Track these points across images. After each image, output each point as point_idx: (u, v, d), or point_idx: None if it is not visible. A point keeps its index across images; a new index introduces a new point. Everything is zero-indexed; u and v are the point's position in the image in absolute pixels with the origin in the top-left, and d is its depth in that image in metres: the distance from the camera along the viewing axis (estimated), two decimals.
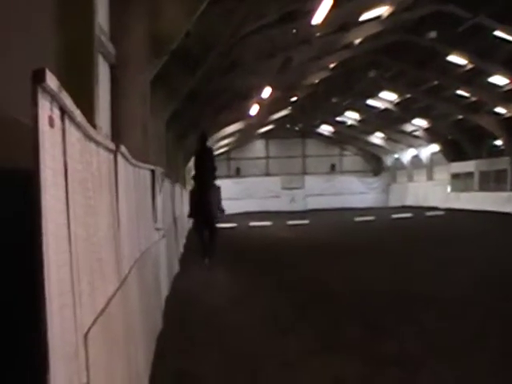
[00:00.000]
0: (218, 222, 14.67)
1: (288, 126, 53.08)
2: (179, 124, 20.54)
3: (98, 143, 3.13)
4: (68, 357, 2.11)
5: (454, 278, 11.15)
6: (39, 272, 1.82)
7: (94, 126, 3.05)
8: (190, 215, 14.81)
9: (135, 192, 5.39)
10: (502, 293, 9.59)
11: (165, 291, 9.54)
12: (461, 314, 8.09)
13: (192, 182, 15.08)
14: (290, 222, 29.37)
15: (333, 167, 57.04)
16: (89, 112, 5.27)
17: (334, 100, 42.70)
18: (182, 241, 18.63)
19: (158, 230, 8.16)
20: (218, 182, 14.58)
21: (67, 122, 2.28)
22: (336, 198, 50.17)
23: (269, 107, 33.28)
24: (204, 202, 13.84)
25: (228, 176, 51.52)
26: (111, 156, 3.79)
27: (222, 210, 14.65)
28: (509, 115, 35.05)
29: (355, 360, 6.07)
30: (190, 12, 9.93)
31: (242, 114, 31.18)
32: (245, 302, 9.54)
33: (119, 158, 4.07)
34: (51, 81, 1.97)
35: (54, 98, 2.07)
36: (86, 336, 2.44)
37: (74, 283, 2.25)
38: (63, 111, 2.22)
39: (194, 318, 8.40)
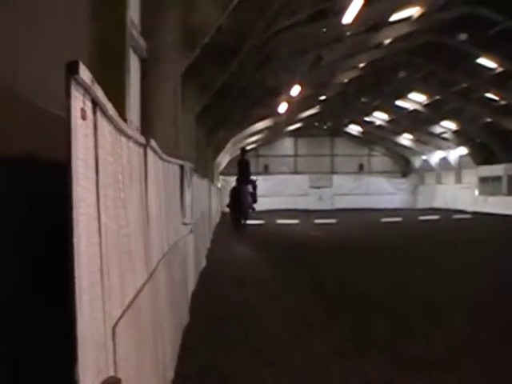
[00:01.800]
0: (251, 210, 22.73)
1: (317, 124, 53.01)
2: (209, 119, 20.59)
3: (128, 137, 3.13)
4: (97, 348, 2.11)
5: (480, 283, 11.01)
6: (70, 263, 1.82)
7: (124, 119, 3.05)
8: (229, 205, 23.02)
9: (164, 186, 5.40)
10: None
11: (192, 285, 9.57)
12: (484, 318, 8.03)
13: (224, 180, 23.00)
14: (318, 221, 29.30)
15: (361, 167, 56.95)
16: (120, 105, 5.29)
17: (363, 100, 42.91)
18: (210, 236, 18.69)
19: (186, 224, 8.17)
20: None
21: (99, 114, 2.28)
22: (363, 198, 49.92)
23: (298, 105, 33.27)
24: (240, 197, 21.94)
25: (256, 173, 51.45)
26: (141, 150, 3.79)
27: (255, 201, 22.58)
28: None
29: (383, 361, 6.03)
30: (223, 5, 9.93)
31: (272, 111, 31.19)
32: (274, 300, 9.53)
33: (149, 151, 4.07)
34: (84, 73, 1.97)
35: (86, 90, 2.07)
36: (114, 328, 2.44)
37: (103, 275, 2.25)
38: (95, 104, 2.22)
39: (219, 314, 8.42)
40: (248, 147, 45.48)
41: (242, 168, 22.72)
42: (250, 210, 22.81)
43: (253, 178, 23.59)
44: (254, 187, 23.10)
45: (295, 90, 26.96)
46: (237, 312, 8.53)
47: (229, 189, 23.90)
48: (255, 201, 23.07)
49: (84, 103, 2.06)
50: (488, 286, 10.61)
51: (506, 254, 15.47)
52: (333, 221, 29.69)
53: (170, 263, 5.69)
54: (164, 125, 9.06)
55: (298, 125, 49.23)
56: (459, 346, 6.54)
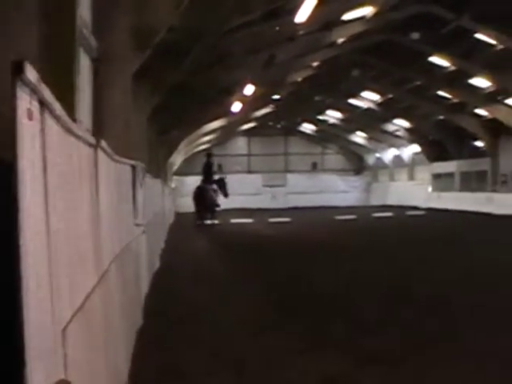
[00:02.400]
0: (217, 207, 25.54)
1: (270, 123, 52.97)
2: (162, 118, 20.46)
3: (78, 137, 3.11)
4: (46, 352, 2.09)
5: (436, 277, 11.23)
6: (17, 265, 1.80)
7: (74, 119, 3.02)
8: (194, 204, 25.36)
9: (116, 187, 5.36)
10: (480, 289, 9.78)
11: (145, 287, 9.51)
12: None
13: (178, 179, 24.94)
14: (272, 220, 29.40)
15: (315, 165, 57.02)
16: (69, 105, 5.22)
17: (316, 98, 42.69)
18: (163, 237, 18.58)
19: (138, 225, 8.12)
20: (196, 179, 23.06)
21: (46, 114, 2.26)
22: (318, 196, 49.91)
23: (252, 104, 33.22)
24: (204, 196, 24.72)
25: None
26: (92, 150, 3.76)
27: (226, 195, 25.77)
28: (490, 117, 35.34)
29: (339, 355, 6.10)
30: (175, 4, 9.84)
31: (225, 110, 31.07)
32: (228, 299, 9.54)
33: (100, 152, 4.04)
34: (30, 73, 1.95)
35: (33, 90, 2.05)
36: (64, 331, 2.42)
37: (52, 277, 2.23)
38: (42, 104, 2.20)
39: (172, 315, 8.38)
40: (201, 147, 45.61)
41: (207, 169, 26.07)
42: (217, 208, 25.73)
43: (222, 176, 27.26)
44: (223, 185, 26.34)
45: (249, 89, 26.95)
46: (191, 313, 8.51)
47: (184, 189, 27.97)
48: (226, 195, 26.62)
49: (30, 103, 2.04)
50: (444, 282, 10.82)
51: (461, 250, 15.88)
52: (287, 219, 29.82)
53: (122, 264, 5.65)
54: (116, 125, 8.97)
55: (251, 124, 49.11)
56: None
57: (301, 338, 6.98)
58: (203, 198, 25.34)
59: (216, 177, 27.29)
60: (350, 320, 7.84)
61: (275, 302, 9.20)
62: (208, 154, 27.29)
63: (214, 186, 26.06)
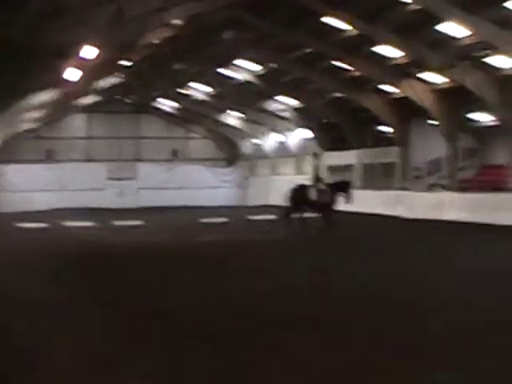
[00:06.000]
0: None
1: (118, 97, 52.41)
2: None
3: None
4: None
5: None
6: None
7: None
8: None
9: None
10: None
11: None
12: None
13: None
14: (119, 223, 29.18)
15: (175, 153, 57.28)
16: None
17: (178, 67, 42.54)
18: None
19: None
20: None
21: None
22: (178, 193, 50.13)
23: (93, 72, 32.72)
24: None
25: (36, 160, 50.16)
26: None
27: None
28: (400, 95, 36.24)
29: None
30: None
31: (57, 79, 30.37)
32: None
33: None
34: None
35: None
36: None
37: None
38: None
39: None
40: (26, 127, 44.34)
41: None
42: None
43: None
44: None
45: (89, 52, 26.48)
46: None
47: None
48: None
49: None
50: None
51: (360, 258, 17.15)
52: (138, 222, 29.86)
53: None
54: None
55: (92, 98, 48.39)
56: None
57: None
58: None
59: None
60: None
61: None
62: None
63: None
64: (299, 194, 24.04)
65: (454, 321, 9.64)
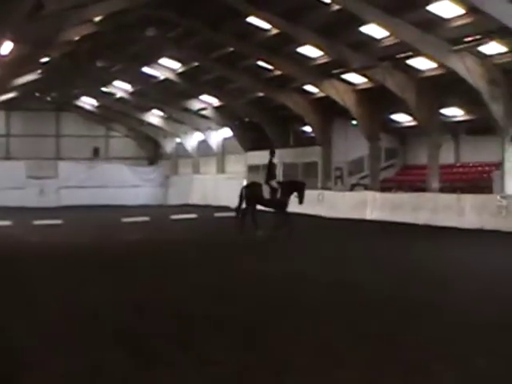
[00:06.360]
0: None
1: (37, 94, 51.75)
2: None
3: None
4: None
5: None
6: None
7: None
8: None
9: None
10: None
11: None
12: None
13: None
14: (38, 222, 28.82)
15: (96, 152, 57.56)
16: None
17: (99, 64, 42.33)
18: None
19: None
20: None
21: None
22: (100, 192, 49.23)
23: (11, 68, 32.17)
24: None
25: None
26: None
27: None
28: (321, 95, 36.32)
29: None
30: None
31: None
32: None
33: None
34: None
35: None
36: None
37: None
38: None
39: None
40: None
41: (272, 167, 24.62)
42: None
43: None
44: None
45: (6, 48, 26.07)
46: None
47: None
48: None
49: None
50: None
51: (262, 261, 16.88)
52: (58, 222, 29.43)
53: None
54: None
55: (10, 94, 47.55)
56: None
57: None
58: None
59: None
60: None
61: None
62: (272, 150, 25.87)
63: None
64: (251, 192, 23.39)
65: (353, 320, 9.68)
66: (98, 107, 54.59)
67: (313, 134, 40.52)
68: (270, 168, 24.12)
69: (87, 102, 54.54)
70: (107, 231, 26.45)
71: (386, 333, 8.78)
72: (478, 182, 33.14)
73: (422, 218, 27.38)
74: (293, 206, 23.74)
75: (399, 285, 12.84)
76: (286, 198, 23.57)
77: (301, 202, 23.69)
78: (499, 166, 30.80)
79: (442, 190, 31.93)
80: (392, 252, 18.56)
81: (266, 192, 23.31)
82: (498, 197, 25.45)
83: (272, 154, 24.39)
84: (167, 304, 10.98)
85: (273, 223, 23.56)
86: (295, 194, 23.65)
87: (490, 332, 8.84)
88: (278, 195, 23.33)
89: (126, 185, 51.44)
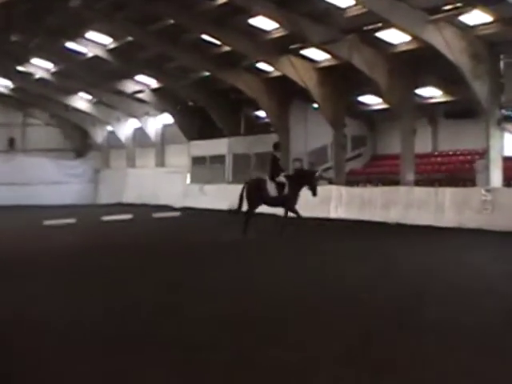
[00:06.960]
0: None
1: None
2: None
3: None
4: None
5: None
6: None
7: None
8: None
9: None
10: None
11: None
12: None
13: None
14: None
15: (11, 142, 56.38)
16: None
17: (14, 39, 40.54)
18: None
19: None
20: None
21: None
22: (16, 190, 47.22)
23: None
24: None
25: None
26: None
27: None
28: (276, 74, 35.76)
29: None
30: None
31: None
32: None
33: None
34: None
35: None
36: None
37: None
38: None
39: None
40: None
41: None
42: None
43: None
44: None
45: None
46: None
47: None
48: None
49: None
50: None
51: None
52: None
53: None
54: None
55: None
56: None
57: None
58: None
59: None
60: None
61: None
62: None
63: None
64: (255, 190, 22.14)
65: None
66: (12, 90, 52.91)
67: (267, 120, 39.95)
68: (274, 163, 22.54)
69: (1, 84, 52.57)
70: (24, 237, 24.62)
71: None
72: (459, 173, 32.48)
73: (394, 215, 27.06)
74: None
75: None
76: (296, 192, 22.24)
77: (314, 194, 22.42)
78: (483, 154, 30.21)
79: (417, 183, 31.30)
80: (351, 258, 17.32)
81: (271, 189, 22.15)
82: (483, 190, 24.93)
83: (276, 148, 23.07)
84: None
85: (280, 223, 22.76)
86: (306, 186, 22.29)
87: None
88: (286, 191, 22.08)
89: (48, 181, 49.64)
